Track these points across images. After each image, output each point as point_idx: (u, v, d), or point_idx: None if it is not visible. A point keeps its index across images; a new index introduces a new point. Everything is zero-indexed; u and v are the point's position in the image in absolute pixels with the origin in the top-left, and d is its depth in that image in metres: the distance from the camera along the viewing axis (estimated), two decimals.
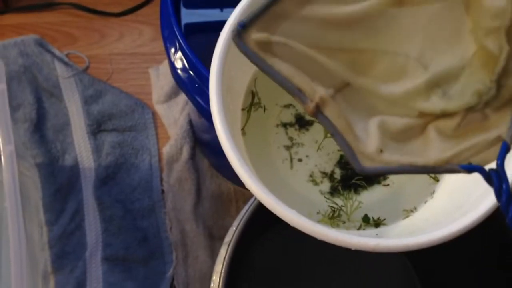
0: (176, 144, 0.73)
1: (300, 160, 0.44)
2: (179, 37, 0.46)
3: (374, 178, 0.44)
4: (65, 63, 0.76)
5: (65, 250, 0.67)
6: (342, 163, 0.44)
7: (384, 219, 0.40)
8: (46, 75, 0.75)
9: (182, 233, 0.69)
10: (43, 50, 0.76)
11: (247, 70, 0.41)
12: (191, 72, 0.48)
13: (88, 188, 0.70)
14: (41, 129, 0.73)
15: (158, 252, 0.68)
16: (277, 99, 0.45)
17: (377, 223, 0.40)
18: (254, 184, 0.31)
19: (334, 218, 0.40)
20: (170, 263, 0.67)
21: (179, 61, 0.49)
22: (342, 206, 0.41)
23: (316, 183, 0.43)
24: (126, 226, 0.69)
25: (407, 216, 0.41)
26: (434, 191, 0.42)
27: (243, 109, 0.42)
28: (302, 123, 0.45)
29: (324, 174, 0.43)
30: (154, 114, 0.75)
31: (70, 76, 0.75)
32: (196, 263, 0.68)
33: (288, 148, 0.44)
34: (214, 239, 0.68)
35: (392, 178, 0.44)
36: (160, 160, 0.72)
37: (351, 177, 0.44)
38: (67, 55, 0.76)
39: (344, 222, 0.41)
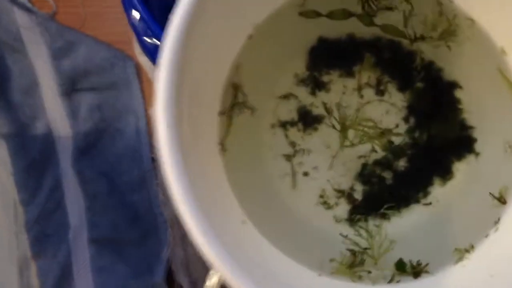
0: None
1: (306, 174, 0.32)
2: None
3: (410, 193, 0.32)
4: (27, 9, 0.63)
5: (45, 232, 0.60)
6: (365, 174, 0.32)
7: (427, 264, 0.29)
8: (5, 26, 0.63)
9: None
10: None
11: (226, 50, 0.29)
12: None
13: (66, 160, 0.62)
14: (5, 92, 0.62)
15: (152, 231, 0.61)
16: (272, 87, 0.33)
17: (417, 271, 0.29)
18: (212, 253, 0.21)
19: (355, 266, 0.30)
20: (166, 242, 0.60)
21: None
22: (366, 248, 0.30)
23: (328, 206, 0.32)
24: (113, 202, 0.61)
25: (460, 260, 0.29)
26: (499, 220, 0.30)
27: (221, 114, 0.30)
28: (307, 120, 0.33)
29: (340, 192, 0.32)
30: (138, 67, 0.64)
31: (34, 25, 0.63)
32: None
33: (289, 157, 0.32)
34: None
35: (436, 194, 0.32)
36: (148, 122, 0.63)
37: (378, 195, 0.32)
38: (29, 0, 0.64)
39: (369, 272, 0.30)
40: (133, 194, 0.61)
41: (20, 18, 0.63)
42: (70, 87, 0.63)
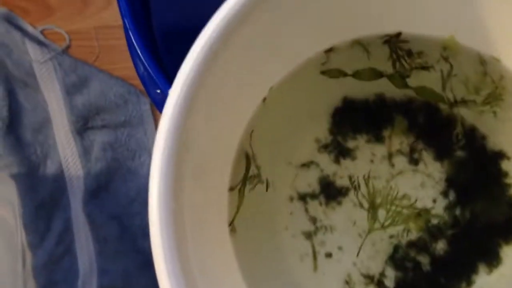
0: None
1: (329, 255, 0.28)
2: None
3: (451, 282, 0.28)
4: (40, 43, 0.62)
5: (53, 279, 0.58)
6: (398, 258, 0.28)
7: None
8: (16, 60, 0.61)
9: None
10: (11, 27, 0.62)
11: (238, 115, 0.25)
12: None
13: (77, 202, 0.59)
14: (16, 130, 0.61)
15: None
16: (290, 155, 0.29)
17: None
18: None
19: None
20: None
21: None
22: None
23: None
24: (125, 247, 0.58)
25: None
26: None
27: (231, 189, 0.26)
28: (331, 192, 0.29)
29: (369, 278, 0.27)
30: (152, 105, 0.62)
31: (47, 59, 0.61)
32: None
33: (309, 236, 0.28)
34: None
35: (481, 283, 0.28)
36: None
37: (414, 283, 0.28)
38: (42, 32, 0.62)
39: None
40: (145, 239, 0.59)
41: (33, 51, 0.62)
42: (83, 125, 0.61)
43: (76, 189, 0.59)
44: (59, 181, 0.60)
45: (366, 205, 0.30)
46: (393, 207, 0.30)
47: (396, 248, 0.30)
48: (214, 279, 0.23)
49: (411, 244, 0.30)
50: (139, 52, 0.33)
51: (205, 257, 0.22)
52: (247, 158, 0.28)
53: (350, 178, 0.31)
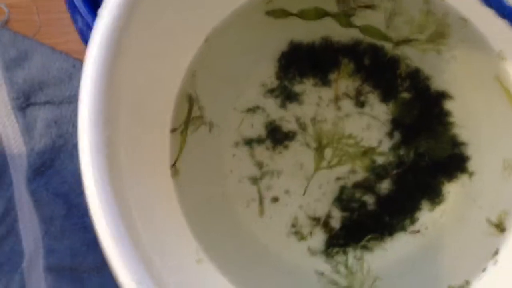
0: None
1: (275, 199, 0.28)
2: None
3: (396, 220, 0.28)
4: None
5: None
6: (344, 199, 0.28)
7: None
8: None
9: None
10: None
11: (178, 55, 0.25)
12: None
13: (20, 181, 0.58)
14: None
15: None
16: (234, 99, 0.28)
17: None
18: None
19: None
20: None
21: None
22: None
23: (302, 237, 0.27)
24: (72, 226, 0.57)
25: None
26: (497, 251, 0.26)
27: (173, 131, 0.25)
28: (277, 136, 0.29)
29: (315, 220, 0.27)
30: None
31: None
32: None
33: (255, 180, 0.28)
34: None
35: (425, 220, 0.28)
36: None
37: (359, 223, 0.28)
38: None
39: None
40: None
41: None
42: (25, 101, 0.59)
43: (18, 167, 0.58)
44: (0, 159, 0.58)
45: (313, 145, 0.30)
46: (340, 146, 0.30)
47: (342, 189, 0.30)
48: (154, 220, 0.22)
49: (357, 185, 0.30)
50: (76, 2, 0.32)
51: (144, 197, 0.21)
52: (189, 99, 0.27)
53: (297, 121, 0.30)
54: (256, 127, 0.30)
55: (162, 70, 0.25)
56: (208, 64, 0.24)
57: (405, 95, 0.31)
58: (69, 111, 0.59)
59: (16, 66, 0.60)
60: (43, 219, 0.56)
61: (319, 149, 0.30)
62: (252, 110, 0.30)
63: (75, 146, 0.58)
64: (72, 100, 0.59)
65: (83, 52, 0.55)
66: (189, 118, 0.27)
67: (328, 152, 0.30)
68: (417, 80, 0.31)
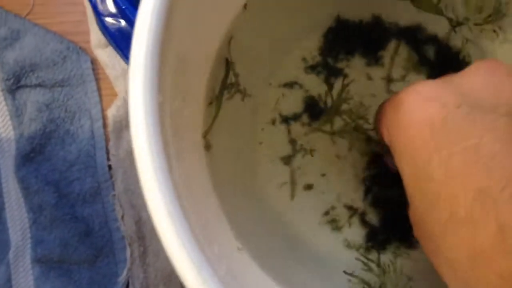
0: (125, 104, 0.59)
1: (309, 186, 0.26)
2: None
3: None
4: None
5: None
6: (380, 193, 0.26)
7: None
8: None
9: (138, 223, 0.58)
10: None
11: (216, 20, 0.23)
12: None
13: (8, 167, 0.57)
14: None
15: (107, 249, 0.57)
16: (272, 72, 0.27)
17: None
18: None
19: None
20: (124, 262, 0.57)
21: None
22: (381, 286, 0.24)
23: (336, 227, 0.26)
24: (62, 216, 0.56)
25: None
26: None
27: (209, 104, 0.23)
28: (315, 111, 0.27)
29: (353, 210, 0.25)
30: (94, 63, 0.59)
31: None
32: (157, 260, 0.57)
33: (288, 160, 0.26)
34: None
35: None
36: (105, 125, 0.58)
37: (403, 219, 0.26)
38: None
39: None
40: (85, 206, 0.57)
41: None
42: (15, 83, 0.58)
43: (6, 153, 0.57)
44: None
45: (351, 125, 0.28)
46: None
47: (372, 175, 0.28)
48: (197, 201, 0.20)
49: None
50: None
51: (186, 173, 0.20)
52: (226, 63, 0.26)
53: (339, 97, 0.29)
54: (292, 103, 0.28)
55: (203, 34, 0.24)
56: (245, 32, 0.23)
57: None
58: (62, 95, 0.58)
59: (7, 46, 0.58)
60: (32, 208, 0.55)
61: (359, 132, 0.28)
62: (289, 85, 0.28)
63: (67, 132, 0.57)
64: (65, 83, 0.58)
65: (77, 34, 0.53)
66: (225, 82, 0.25)
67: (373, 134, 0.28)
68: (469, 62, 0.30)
